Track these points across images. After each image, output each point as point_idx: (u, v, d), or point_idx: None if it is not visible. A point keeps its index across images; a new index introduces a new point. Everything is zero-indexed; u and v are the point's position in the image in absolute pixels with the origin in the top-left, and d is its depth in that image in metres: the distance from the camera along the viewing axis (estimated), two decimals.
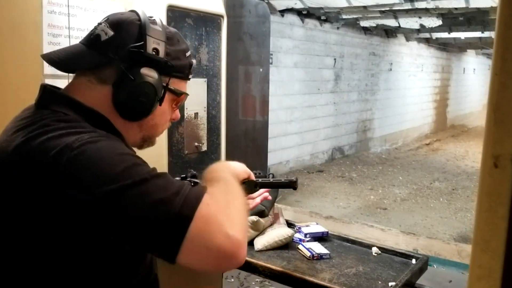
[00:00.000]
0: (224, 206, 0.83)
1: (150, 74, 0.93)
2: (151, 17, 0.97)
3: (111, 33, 0.92)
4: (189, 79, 1.05)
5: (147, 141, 1.04)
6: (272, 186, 1.36)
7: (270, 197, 1.41)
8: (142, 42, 0.91)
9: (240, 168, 1.18)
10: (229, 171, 1.04)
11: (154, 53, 0.93)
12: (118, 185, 0.75)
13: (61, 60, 0.94)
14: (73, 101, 0.90)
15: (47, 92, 0.92)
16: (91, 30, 0.96)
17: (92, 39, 0.93)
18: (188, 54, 1.02)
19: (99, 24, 0.95)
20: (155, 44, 0.93)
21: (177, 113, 1.09)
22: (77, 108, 0.89)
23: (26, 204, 0.79)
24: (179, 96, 1.03)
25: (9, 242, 0.84)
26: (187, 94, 1.05)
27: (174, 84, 1.00)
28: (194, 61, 1.04)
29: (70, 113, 0.87)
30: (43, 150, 0.78)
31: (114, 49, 0.91)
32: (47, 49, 1.47)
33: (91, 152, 0.78)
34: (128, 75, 0.91)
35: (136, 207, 0.75)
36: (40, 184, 0.77)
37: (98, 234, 0.79)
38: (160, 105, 0.98)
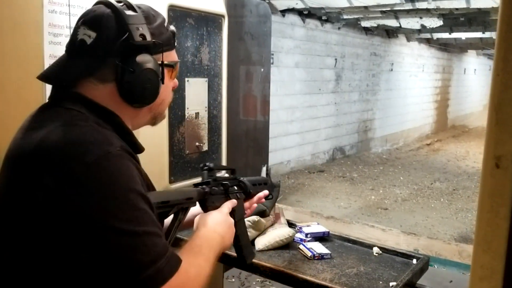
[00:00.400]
0: None
1: (146, 59, 0.94)
2: (119, 1, 0.96)
3: (93, 34, 0.91)
4: (176, 46, 1.08)
5: (159, 117, 1.08)
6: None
7: (263, 200, 1.42)
8: (128, 33, 0.91)
9: (227, 236, 1.14)
10: (216, 246, 1.04)
11: (141, 39, 0.93)
12: (111, 224, 0.77)
13: (53, 77, 0.95)
14: (86, 99, 0.92)
15: (60, 90, 0.94)
16: (71, 37, 0.95)
17: (78, 46, 0.93)
18: (166, 23, 1.03)
19: (77, 28, 0.94)
20: (139, 30, 0.93)
21: (176, 81, 1.11)
22: (90, 106, 0.91)
23: (38, 203, 0.79)
24: (174, 67, 1.06)
25: (13, 241, 0.84)
26: (180, 61, 1.09)
27: (166, 58, 1.01)
28: (172, 27, 1.05)
29: (83, 111, 0.90)
30: (64, 153, 0.80)
31: (104, 49, 0.92)
32: (47, 48, 1.47)
33: (108, 173, 0.80)
34: (127, 69, 0.92)
35: (113, 253, 0.77)
36: (53, 183, 0.78)
37: (68, 246, 0.79)
38: (163, 83, 1.00)
